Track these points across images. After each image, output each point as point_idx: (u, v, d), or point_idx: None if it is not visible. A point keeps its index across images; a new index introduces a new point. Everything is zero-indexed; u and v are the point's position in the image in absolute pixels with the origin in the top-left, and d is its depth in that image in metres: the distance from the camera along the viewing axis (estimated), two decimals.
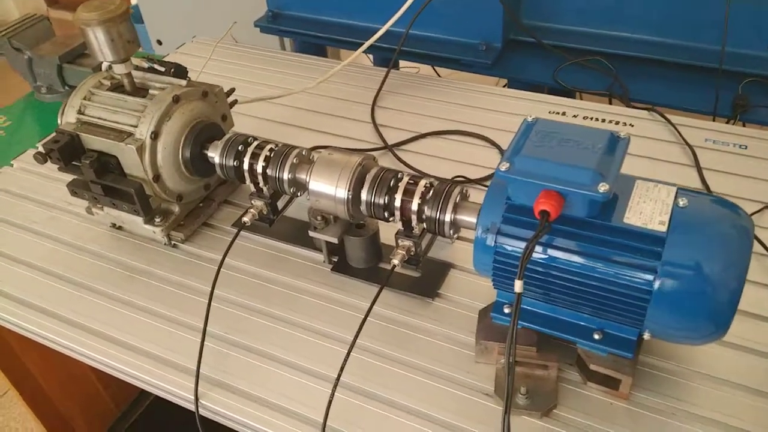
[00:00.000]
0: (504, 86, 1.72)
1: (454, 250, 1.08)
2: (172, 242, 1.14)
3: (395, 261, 0.93)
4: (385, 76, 1.49)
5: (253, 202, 1.04)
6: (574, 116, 1.34)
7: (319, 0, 1.84)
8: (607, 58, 1.59)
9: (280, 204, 1.07)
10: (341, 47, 1.85)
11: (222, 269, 0.97)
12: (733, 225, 0.76)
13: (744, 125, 1.44)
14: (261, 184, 1.02)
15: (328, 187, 0.94)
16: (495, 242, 0.82)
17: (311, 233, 1.02)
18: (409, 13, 1.36)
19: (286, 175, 0.98)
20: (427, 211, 0.90)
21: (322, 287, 1.04)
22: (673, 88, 1.53)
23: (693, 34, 1.53)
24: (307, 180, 0.97)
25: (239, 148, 1.02)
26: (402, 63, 1.94)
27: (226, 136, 1.04)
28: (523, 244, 0.80)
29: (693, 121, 1.32)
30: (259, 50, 1.71)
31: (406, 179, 0.92)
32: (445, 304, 1.00)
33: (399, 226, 0.94)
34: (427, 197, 0.90)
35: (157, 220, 1.09)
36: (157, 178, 1.04)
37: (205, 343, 0.93)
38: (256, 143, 1.02)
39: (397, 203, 0.91)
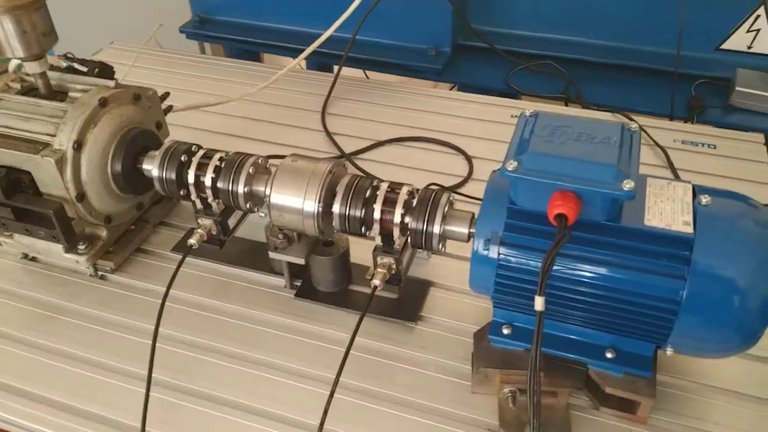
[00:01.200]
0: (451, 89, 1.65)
1: (431, 267, 0.97)
2: (99, 273, 0.97)
3: (376, 282, 0.80)
4: (333, 82, 1.37)
5: (200, 221, 0.89)
6: None
7: (252, 4, 1.70)
8: (559, 62, 1.55)
9: (231, 222, 0.92)
10: (278, 53, 1.72)
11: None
12: (759, 222, 0.68)
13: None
14: (210, 200, 0.87)
15: (293, 199, 0.81)
16: (498, 254, 0.71)
17: (272, 254, 0.88)
18: (353, 16, 1.25)
19: (241, 188, 0.84)
20: (412, 223, 0.78)
21: (285, 317, 0.90)
22: (628, 92, 1.51)
23: (646, 38, 1.51)
24: (267, 192, 0.83)
25: (182, 158, 0.87)
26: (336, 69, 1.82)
27: (165, 145, 0.88)
28: (531, 255, 0.70)
29: (657, 122, 1.28)
30: (188, 56, 1.55)
31: (384, 187, 0.80)
32: (430, 327, 0.88)
33: (377, 241, 0.82)
34: (412, 207, 0.78)
35: (81, 247, 0.92)
36: (81, 197, 0.87)
37: (150, 393, 0.76)
38: (201, 152, 0.88)
39: (377, 215, 0.79)
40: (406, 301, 0.91)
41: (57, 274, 0.97)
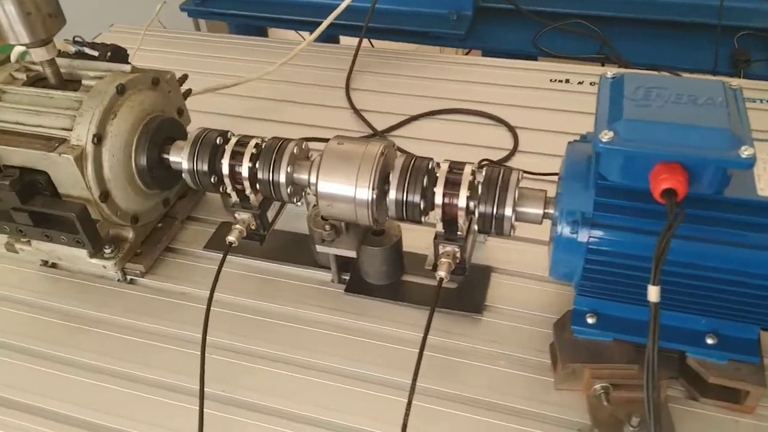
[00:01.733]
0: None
1: (489, 250, 0.89)
2: (128, 277, 0.88)
3: (441, 273, 0.72)
4: (355, 55, 1.28)
5: (237, 215, 0.81)
6: (580, 83, 1.19)
7: None
8: (590, 20, 1.45)
9: (270, 215, 0.84)
10: (286, 27, 1.61)
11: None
12: None
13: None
14: (248, 191, 0.78)
15: (344, 187, 0.73)
16: (588, 237, 0.63)
17: (319, 248, 0.80)
18: None
19: (282, 177, 0.75)
20: (480, 207, 0.70)
21: (335, 314, 0.82)
22: (665, 48, 1.41)
23: None
24: (313, 181, 0.75)
25: (214, 146, 0.78)
26: (343, 39, 1.72)
27: (194, 134, 0.80)
28: (628, 237, 0.62)
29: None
30: (195, 35, 1.46)
31: (445, 168, 0.72)
32: (497, 318, 0.80)
33: (437, 227, 0.73)
34: (476, 188, 0.70)
35: (107, 251, 0.84)
36: (105, 196, 0.79)
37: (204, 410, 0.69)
38: (235, 139, 0.79)
39: (438, 199, 0.70)
40: (467, 291, 0.83)
41: (82, 281, 0.89)
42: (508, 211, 0.69)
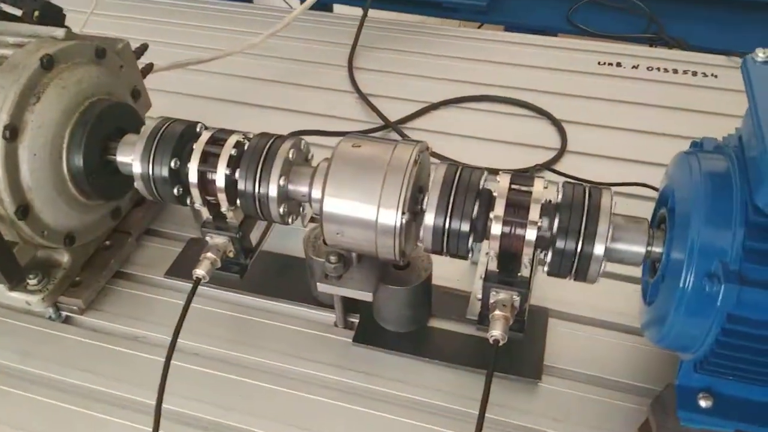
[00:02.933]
0: None
1: (540, 285, 0.67)
2: (63, 314, 0.66)
3: (497, 334, 0.51)
4: (360, 27, 1.05)
5: (209, 238, 0.59)
6: (634, 67, 0.97)
7: None
8: None
9: (253, 237, 0.62)
10: None
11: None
12: None
13: None
14: (224, 208, 0.57)
15: (362, 207, 0.51)
16: (730, 298, 0.42)
17: (321, 286, 0.58)
18: None
19: (274, 190, 0.54)
20: (559, 240, 0.49)
21: (340, 373, 0.62)
22: (725, 29, 1.20)
23: None
24: (317, 196, 0.53)
25: (178, 144, 0.56)
26: (337, 8, 1.50)
27: (150, 125, 0.58)
28: None
29: None
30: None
31: (505, 183, 0.51)
32: (560, 384, 0.60)
33: (489, 265, 0.53)
34: (551, 213, 0.49)
35: (32, 281, 0.62)
36: (24, 210, 0.57)
37: None
38: (208, 134, 0.57)
39: (497, 228, 0.49)
40: (519, 344, 0.62)
41: (2, 318, 0.67)
42: (598, 249, 0.48)
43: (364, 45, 1.05)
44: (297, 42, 1.07)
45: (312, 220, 0.67)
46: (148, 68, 0.74)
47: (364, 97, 0.94)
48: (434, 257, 0.61)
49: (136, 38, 0.76)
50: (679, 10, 1.22)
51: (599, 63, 0.99)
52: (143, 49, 0.72)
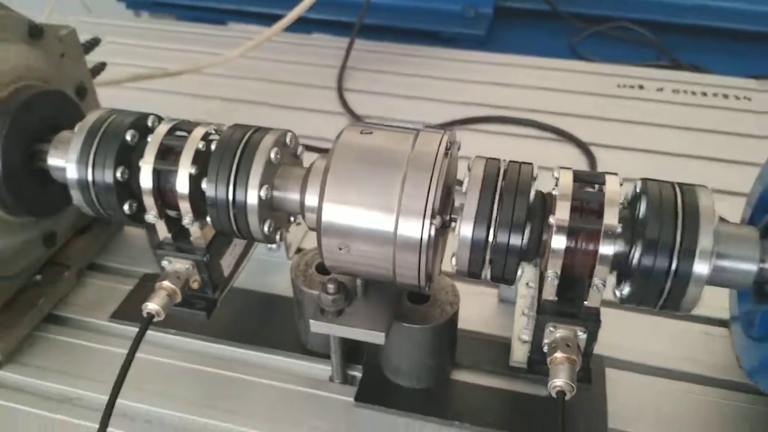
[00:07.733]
0: None
1: None
2: None
3: (560, 383, 0.37)
4: (349, 48, 0.95)
5: (167, 263, 0.45)
6: (659, 89, 0.88)
7: None
8: (639, 25, 1.17)
9: (225, 264, 0.48)
10: (251, 23, 1.26)
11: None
12: None
13: None
14: (187, 221, 0.43)
15: (374, 214, 0.38)
16: None
17: (315, 324, 0.44)
18: None
19: (253, 196, 0.40)
20: (646, 256, 0.35)
21: None
22: (735, 57, 1.13)
23: None
24: (310, 203, 0.40)
25: (126, 139, 0.42)
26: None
27: (90, 118, 0.44)
28: None
29: None
30: (134, 23, 1.09)
31: (567, 180, 0.38)
32: None
33: (545, 293, 0.39)
34: (630, 218, 0.36)
35: None
36: None
37: None
38: (166, 127, 0.44)
39: (560, 241, 0.36)
40: (579, 399, 0.47)
41: None
42: (701, 268, 0.35)
43: (353, 66, 0.95)
44: (277, 64, 0.99)
45: (299, 250, 0.53)
46: (100, 67, 0.62)
47: (357, 119, 0.82)
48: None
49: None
50: (687, 42, 1.16)
51: (618, 86, 0.90)
52: (94, 43, 0.60)
